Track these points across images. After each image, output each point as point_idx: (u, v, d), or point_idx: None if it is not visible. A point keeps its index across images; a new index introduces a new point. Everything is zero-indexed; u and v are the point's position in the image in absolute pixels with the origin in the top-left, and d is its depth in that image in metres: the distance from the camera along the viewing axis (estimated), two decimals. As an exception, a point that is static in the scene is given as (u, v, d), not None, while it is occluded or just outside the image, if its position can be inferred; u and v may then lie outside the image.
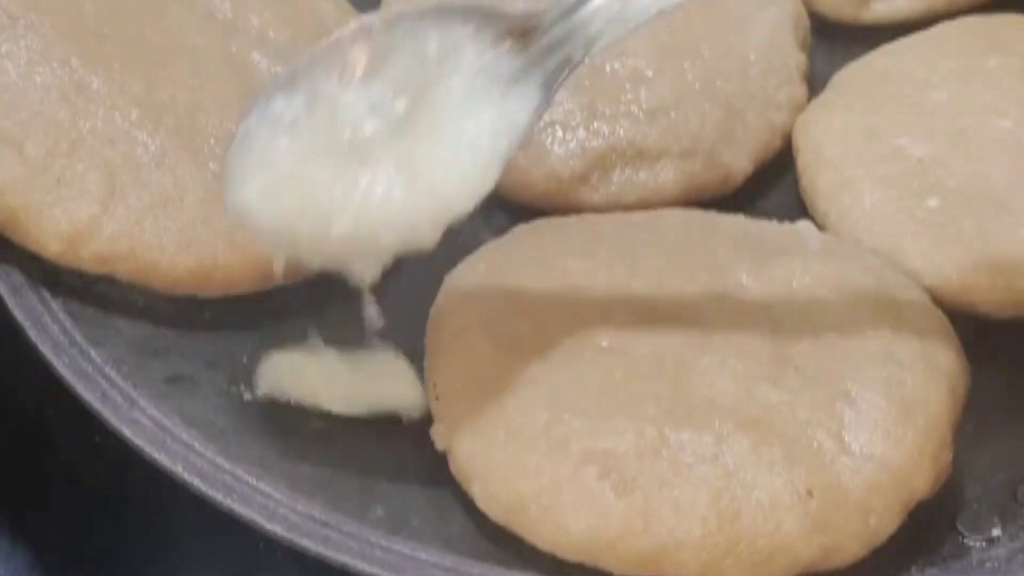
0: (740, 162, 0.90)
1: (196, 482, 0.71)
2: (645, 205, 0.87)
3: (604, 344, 0.75)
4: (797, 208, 0.89)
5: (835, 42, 0.97)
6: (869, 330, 0.76)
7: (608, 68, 0.90)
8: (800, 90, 0.92)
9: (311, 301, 0.81)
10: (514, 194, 0.88)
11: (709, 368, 0.74)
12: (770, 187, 0.91)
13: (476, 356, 0.75)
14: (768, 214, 0.89)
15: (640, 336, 0.75)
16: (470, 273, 0.80)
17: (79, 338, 0.76)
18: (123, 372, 0.75)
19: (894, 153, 0.86)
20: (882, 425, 0.72)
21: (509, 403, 0.73)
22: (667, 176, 0.88)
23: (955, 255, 0.81)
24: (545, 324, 0.76)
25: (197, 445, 0.72)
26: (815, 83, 0.94)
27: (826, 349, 0.75)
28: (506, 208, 0.87)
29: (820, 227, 0.85)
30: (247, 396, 0.77)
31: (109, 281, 0.78)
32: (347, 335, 0.81)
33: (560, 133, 0.88)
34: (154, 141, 0.80)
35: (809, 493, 0.70)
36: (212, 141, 0.81)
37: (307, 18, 0.89)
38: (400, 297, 0.80)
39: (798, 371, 0.74)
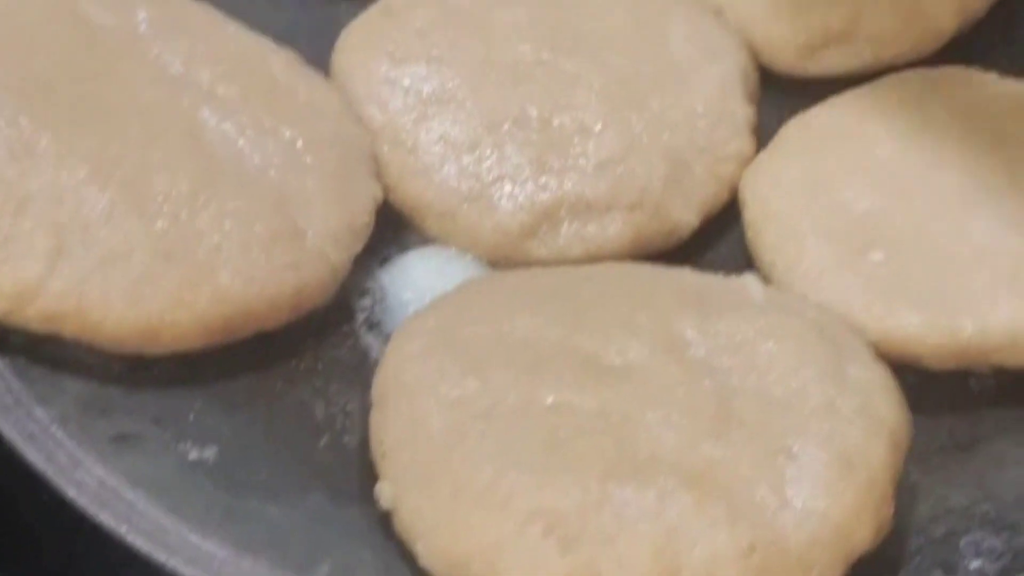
0: (687, 215, 0.90)
1: (140, 542, 0.71)
2: (593, 258, 0.88)
3: (550, 400, 0.76)
4: (744, 260, 0.90)
5: (783, 94, 0.98)
6: (812, 384, 0.76)
7: (556, 122, 0.90)
8: (748, 142, 0.93)
9: (258, 357, 0.82)
10: (463, 247, 0.89)
11: (653, 424, 0.74)
12: (717, 239, 0.92)
13: (422, 414, 0.76)
14: (715, 266, 0.90)
15: (586, 392, 0.76)
16: (417, 328, 0.81)
17: (25, 397, 0.76)
18: (69, 431, 0.75)
19: (839, 207, 0.87)
20: (823, 480, 0.73)
21: (454, 460, 0.74)
22: (615, 229, 0.89)
23: (899, 309, 0.82)
24: (492, 381, 0.76)
25: (141, 504, 0.73)
26: (763, 134, 0.95)
27: (769, 403, 0.76)
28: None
29: (766, 280, 0.86)
30: (193, 455, 0.77)
31: (56, 339, 0.79)
32: (295, 392, 0.82)
33: (508, 187, 0.88)
34: (102, 198, 0.80)
35: (751, 548, 0.71)
36: (161, 198, 0.81)
37: (257, 73, 0.89)
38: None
39: (741, 426, 0.75)
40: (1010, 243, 0.83)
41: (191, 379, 0.80)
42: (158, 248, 0.79)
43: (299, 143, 0.86)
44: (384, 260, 0.89)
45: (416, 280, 0.88)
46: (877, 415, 0.76)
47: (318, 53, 0.94)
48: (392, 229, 0.89)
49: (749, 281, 0.84)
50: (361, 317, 0.87)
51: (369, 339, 0.86)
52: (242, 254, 0.81)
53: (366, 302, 0.87)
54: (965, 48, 0.98)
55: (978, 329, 0.81)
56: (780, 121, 0.95)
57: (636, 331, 0.79)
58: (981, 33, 0.99)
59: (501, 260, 0.88)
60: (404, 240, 0.90)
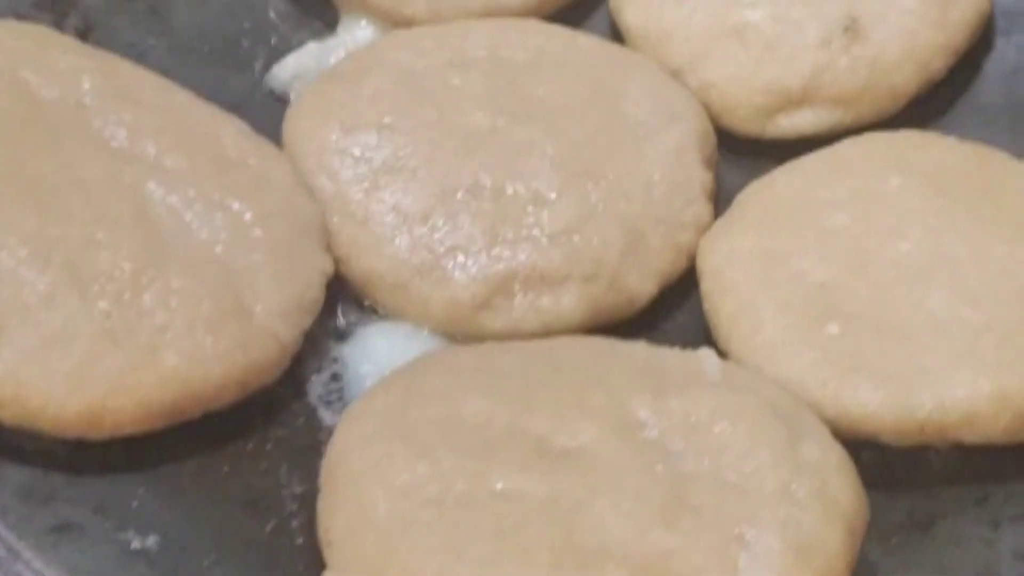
0: (644, 284, 0.89)
1: (79, 637, 0.70)
2: (548, 330, 0.87)
3: (499, 487, 0.74)
4: (703, 329, 0.88)
5: (742, 156, 0.97)
6: (767, 468, 0.75)
7: (510, 190, 0.89)
8: (705, 209, 0.92)
9: (204, 439, 0.80)
10: (415, 321, 0.87)
11: (604, 511, 0.73)
12: (676, 307, 0.90)
13: (370, 501, 0.74)
14: (673, 335, 0.88)
15: (535, 478, 0.74)
16: (366, 410, 0.79)
17: (-36, 489, 0.75)
18: (8, 522, 0.74)
19: (796, 278, 0.86)
20: (778, 569, 0.71)
21: (401, 551, 0.72)
22: (570, 301, 0.87)
23: (855, 385, 0.81)
24: (440, 466, 0.75)
25: (81, 599, 0.71)
26: (723, 197, 0.94)
27: (723, 488, 0.74)
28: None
29: (723, 353, 0.85)
30: (135, 544, 0.75)
31: (-5, 425, 0.77)
32: (242, 475, 0.80)
33: (461, 259, 0.87)
34: (43, 280, 0.78)
35: (704, 641, 0.69)
36: (104, 278, 0.79)
37: (205, 144, 0.88)
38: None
39: (694, 513, 0.73)
40: (967, 315, 0.82)
41: (134, 464, 0.78)
42: (101, 330, 0.78)
43: (248, 216, 0.85)
44: (343, 333, 0.88)
45: (376, 354, 0.87)
46: (832, 499, 0.75)
47: (271, 120, 0.94)
48: (354, 301, 0.88)
49: (705, 356, 0.83)
50: (316, 393, 0.85)
51: (326, 416, 0.84)
52: (187, 334, 0.79)
53: (322, 377, 0.86)
54: (926, 110, 0.97)
55: (936, 406, 0.80)
56: (739, 183, 0.94)
57: (588, 412, 0.78)
58: (942, 95, 0.98)
59: (454, 333, 0.87)
60: (367, 312, 0.88)
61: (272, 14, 1.00)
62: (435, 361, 0.83)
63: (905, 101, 0.96)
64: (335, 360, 0.87)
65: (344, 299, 0.88)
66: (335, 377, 0.86)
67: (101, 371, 0.77)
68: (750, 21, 0.96)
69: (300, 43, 0.99)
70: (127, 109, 0.87)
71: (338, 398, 0.85)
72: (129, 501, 0.77)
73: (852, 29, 0.95)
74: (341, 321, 0.88)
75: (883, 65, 0.95)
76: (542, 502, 0.73)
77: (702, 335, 0.88)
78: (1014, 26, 1.00)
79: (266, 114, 0.94)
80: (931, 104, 0.97)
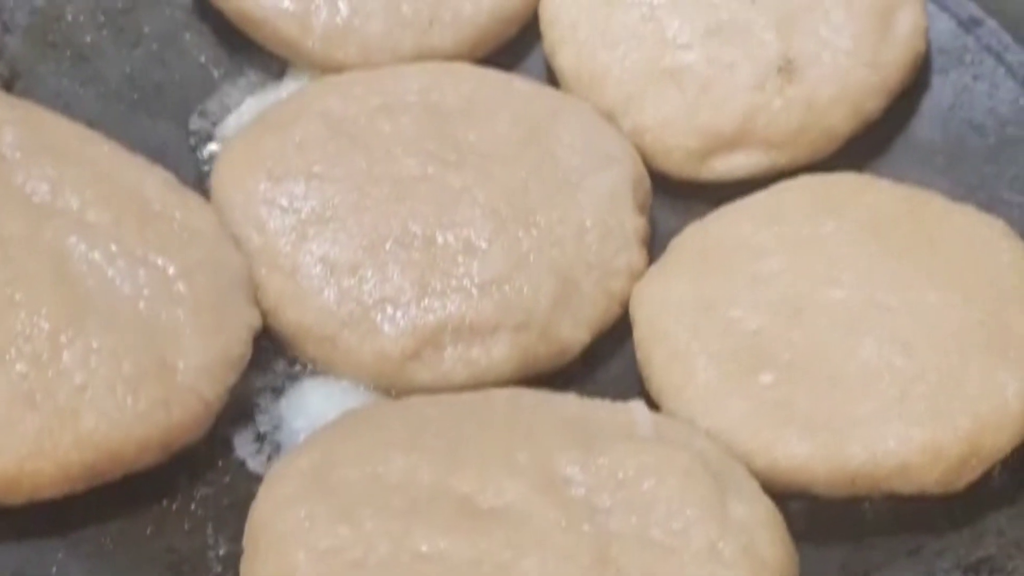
0: (577, 333, 0.88)
1: None
2: (479, 381, 0.86)
3: (423, 549, 0.73)
4: (637, 377, 0.87)
5: (678, 199, 0.96)
6: (694, 526, 0.74)
7: (440, 239, 0.88)
8: (638, 256, 0.91)
9: (127, 500, 0.79)
10: (344, 374, 0.86)
11: (529, 572, 0.72)
12: (610, 355, 0.89)
13: (291, 565, 0.73)
14: (608, 384, 0.87)
15: (460, 539, 0.73)
16: (290, 470, 0.78)
17: None
18: (-78, 592, 0.73)
19: (729, 326, 0.85)
20: (704, 630, 0.71)
21: (322, 617, 0.71)
22: (501, 352, 0.86)
23: (787, 436, 0.80)
24: (364, 528, 0.74)
25: None
26: (658, 241, 0.93)
27: (650, 547, 0.73)
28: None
29: (655, 404, 0.84)
30: (54, 613, 0.74)
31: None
32: (165, 537, 0.79)
33: (390, 310, 0.86)
34: (-43, 344, 0.77)
35: None
36: (21, 340, 0.78)
37: (130, 196, 0.86)
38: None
39: (619, 573, 0.72)
40: (900, 364, 0.81)
41: (54, 528, 0.77)
42: (18, 392, 0.77)
43: (171, 270, 0.84)
44: (278, 387, 0.86)
45: (311, 408, 0.86)
46: (760, 557, 0.74)
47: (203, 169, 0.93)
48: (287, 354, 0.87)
49: (636, 409, 0.82)
50: (246, 450, 0.84)
51: (256, 473, 0.83)
52: (107, 394, 0.78)
53: (251, 433, 0.84)
54: (862, 150, 0.96)
55: (868, 457, 0.79)
56: (675, 227, 0.93)
57: (514, 470, 0.76)
58: (878, 135, 0.97)
59: (384, 385, 0.86)
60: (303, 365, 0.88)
61: (203, 59, 0.99)
62: (361, 417, 0.81)
63: (840, 142, 0.96)
64: (267, 415, 0.85)
65: (279, 352, 0.87)
66: (264, 434, 0.85)
67: (18, 435, 0.76)
68: (684, 63, 0.96)
69: (231, 89, 0.98)
70: (50, 162, 0.86)
71: (272, 454, 0.84)
72: (48, 567, 0.76)
73: (786, 70, 0.95)
74: (277, 375, 0.87)
75: (818, 106, 0.95)
76: (467, 564, 0.72)
77: (637, 383, 0.87)
78: (950, 64, 0.99)
79: (196, 163, 0.93)
80: (867, 144, 0.97)
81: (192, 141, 0.95)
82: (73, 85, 0.96)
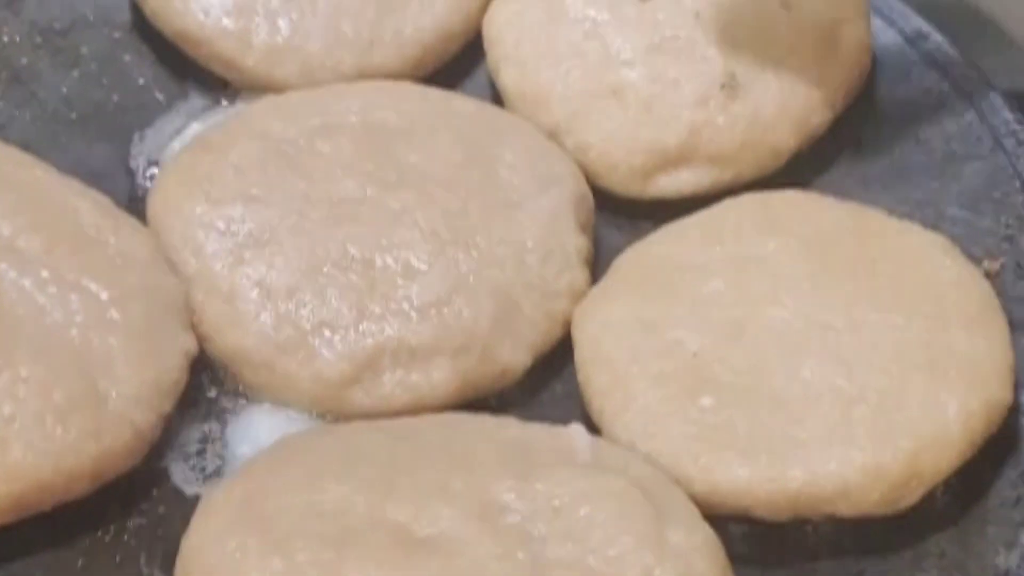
0: (518, 355, 0.87)
1: None
2: (419, 405, 0.85)
3: (356, 580, 0.72)
4: (579, 399, 0.86)
5: (622, 217, 0.95)
6: (630, 553, 0.73)
7: (379, 262, 0.87)
8: (580, 276, 0.90)
9: (57, 531, 0.78)
10: (282, 399, 0.85)
11: (463, 603, 0.71)
12: (552, 377, 0.88)
13: (221, 598, 0.72)
14: (549, 406, 0.87)
15: (394, 569, 0.72)
16: (222, 500, 0.77)
17: None
18: None
19: (670, 348, 0.84)
20: (640, 660, 0.70)
21: (252, 652, 0.70)
22: (440, 375, 0.85)
23: (727, 459, 0.79)
24: (296, 560, 0.72)
25: None
26: (603, 260, 0.92)
27: (586, 575, 0.72)
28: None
29: (596, 427, 0.83)
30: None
31: None
32: (97, 568, 0.78)
33: (328, 334, 0.85)
34: None
35: None
36: (-52, 382, 0.77)
37: (63, 221, 0.85)
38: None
39: (555, 603, 0.71)
40: (841, 385, 0.81)
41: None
42: (-56, 428, 0.76)
43: (104, 296, 0.83)
44: (216, 414, 0.85)
45: (252, 435, 0.85)
46: (698, 584, 0.73)
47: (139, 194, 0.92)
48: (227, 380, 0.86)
49: (575, 433, 0.81)
50: (181, 477, 0.83)
51: (192, 502, 0.81)
52: (36, 425, 0.77)
53: (189, 461, 0.83)
54: (807, 166, 0.96)
55: (808, 479, 0.78)
56: (619, 245, 0.92)
57: (450, 497, 0.75)
58: (823, 150, 0.96)
59: (323, 411, 0.85)
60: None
61: (141, 80, 0.98)
62: (296, 445, 0.80)
63: (785, 158, 0.95)
64: (206, 442, 0.84)
65: (217, 379, 0.86)
66: (203, 462, 0.83)
67: (-56, 468, 0.75)
68: (627, 80, 0.95)
69: (172, 111, 0.97)
70: (-21, 188, 0.85)
71: (209, 483, 0.82)
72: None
73: (730, 87, 0.94)
74: (215, 402, 0.86)
75: (761, 122, 0.94)
76: (400, 595, 0.71)
77: (579, 406, 0.86)
78: (896, 79, 0.98)
79: (135, 187, 0.92)
80: (812, 160, 0.96)
81: (132, 164, 0.94)
82: (8, 107, 0.95)
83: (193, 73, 0.98)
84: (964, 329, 0.83)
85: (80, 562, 0.78)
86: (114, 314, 0.82)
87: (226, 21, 0.96)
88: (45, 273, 0.82)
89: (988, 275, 0.89)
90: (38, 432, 0.77)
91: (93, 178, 0.91)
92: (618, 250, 0.92)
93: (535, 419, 0.84)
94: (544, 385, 0.88)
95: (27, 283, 0.82)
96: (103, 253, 0.85)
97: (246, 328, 0.85)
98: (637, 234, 0.93)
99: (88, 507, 0.79)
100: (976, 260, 0.89)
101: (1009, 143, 0.94)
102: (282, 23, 0.97)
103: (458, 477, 0.77)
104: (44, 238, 0.84)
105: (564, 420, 0.83)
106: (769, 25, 0.96)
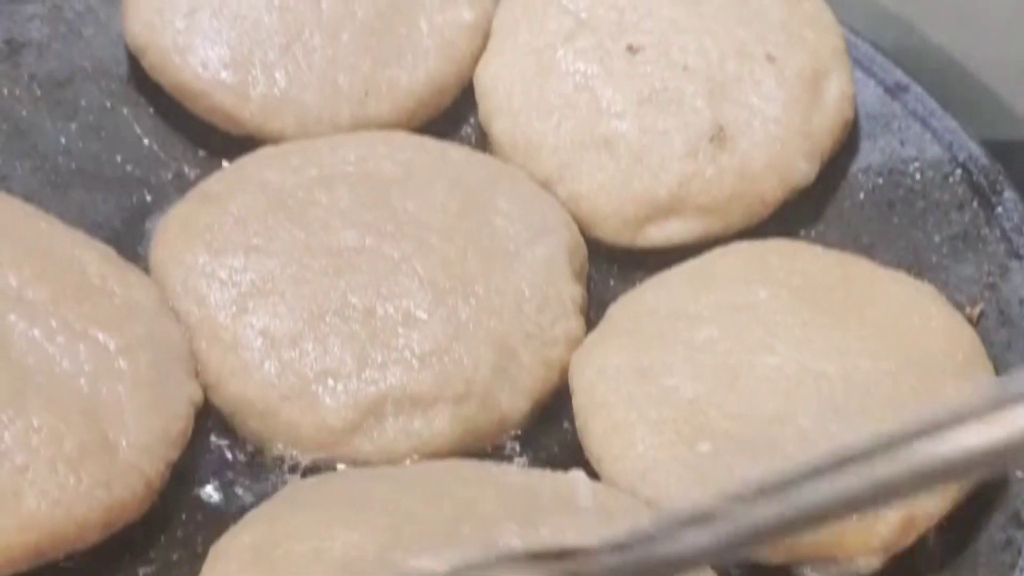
0: (517, 402, 0.89)
1: None
2: (421, 452, 0.86)
3: (367, 626, 0.73)
4: (577, 445, 0.88)
5: (614, 266, 0.97)
6: (635, 597, 0.75)
7: (380, 311, 0.88)
8: (576, 323, 0.92)
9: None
10: (285, 447, 0.86)
11: (474, 647, 0.72)
12: (551, 423, 0.90)
13: (235, 646, 0.73)
14: (548, 452, 0.88)
15: (404, 615, 0.74)
16: (232, 548, 0.78)
17: None
18: None
19: (666, 394, 0.86)
20: None
21: None
22: (442, 423, 0.87)
23: (725, 504, 0.81)
24: (308, 607, 0.74)
25: None
26: (596, 307, 0.94)
27: (592, 620, 0.74)
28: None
29: (595, 473, 0.85)
30: None
31: None
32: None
33: (331, 383, 0.86)
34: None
35: None
36: (-40, 426, 0.78)
37: (69, 272, 0.87)
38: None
39: (563, 646, 0.73)
40: (834, 431, 0.83)
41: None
42: (-43, 474, 0.77)
43: (112, 346, 0.84)
44: (229, 460, 0.86)
45: (262, 482, 0.86)
46: (702, 627, 0.75)
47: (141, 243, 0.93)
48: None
49: (577, 479, 0.82)
50: (192, 526, 0.84)
51: (201, 550, 0.82)
52: (49, 474, 0.78)
53: (198, 510, 0.84)
54: (794, 215, 0.98)
55: (806, 523, 0.80)
56: (613, 294, 0.94)
57: (458, 543, 0.77)
58: (809, 200, 0.99)
59: (326, 458, 0.86)
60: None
61: (139, 131, 0.99)
62: (303, 492, 0.82)
63: (772, 208, 0.97)
64: (211, 490, 0.85)
65: (221, 427, 0.87)
66: (210, 510, 0.84)
67: (-37, 514, 0.76)
68: (618, 131, 0.97)
69: (169, 161, 0.98)
70: (-13, 239, 0.86)
71: (216, 530, 0.83)
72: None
73: (718, 138, 0.96)
74: (220, 450, 0.87)
75: (750, 173, 0.96)
76: (411, 641, 0.73)
77: (579, 451, 0.87)
78: (878, 130, 1.01)
79: (134, 237, 0.93)
80: (798, 210, 0.98)
81: (131, 215, 0.96)
82: (10, 159, 0.96)
83: (190, 124, 0.99)
84: (953, 376, 0.85)
85: (91, 610, 0.79)
86: (122, 363, 0.84)
87: (224, 74, 0.98)
88: (53, 323, 0.84)
89: (970, 320, 0.92)
90: (51, 481, 0.78)
91: (94, 229, 0.92)
92: (610, 298, 0.94)
93: (534, 465, 0.87)
94: (542, 431, 0.90)
95: (36, 333, 0.83)
96: (109, 303, 0.86)
97: (250, 377, 0.87)
98: (628, 282, 0.95)
99: (99, 556, 0.80)
100: (959, 307, 0.92)
101: (988, 192, 0.97)
102: (279, 76, 0.98)
103: (465, 523, 0.78)
104: (51, 289, 0.85)
105: (563, 466, 0.85)
106: (755, 77, 0.98)
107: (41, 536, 0.77)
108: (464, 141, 1.01)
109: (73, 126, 0.99)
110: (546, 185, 0.97)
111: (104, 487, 0.79)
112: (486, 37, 1.03)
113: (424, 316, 0.89)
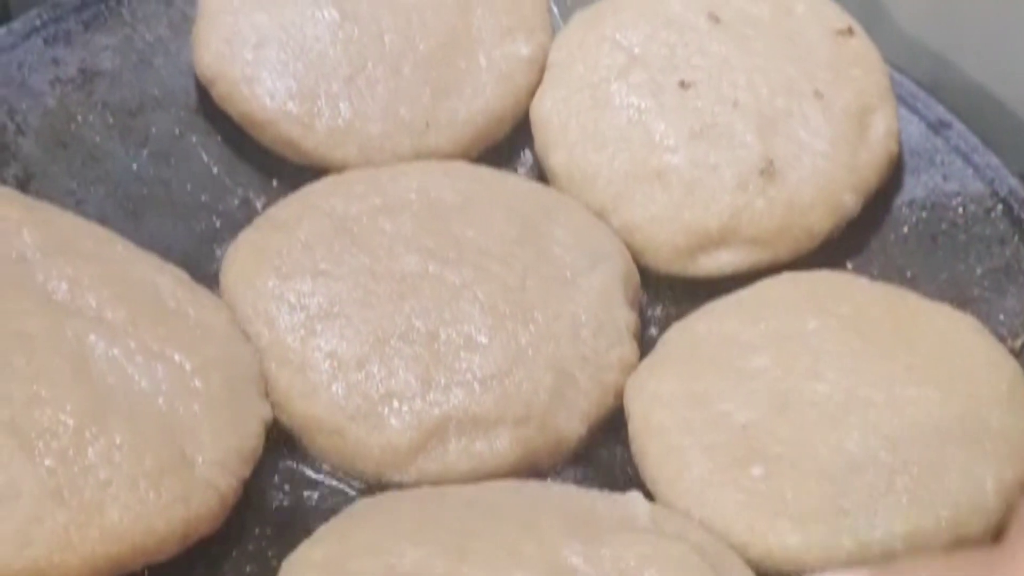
0: (573, 425, 0.92)
1: None
2: (482, 473, 0.89)
3: (438, 639, 0.76)
4: (630, 468, 0.91)
5: (667, 294, 1.00)
6: (694, 614, 0.78)
7: (443, 335, 0.91)
8: (630, 349, 0.95)
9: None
10: (352, 466, 0.89)
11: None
12: (607, 444, 0.93)
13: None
14: (605, 473, 0.91)
15: (473, 629, 0.77)
16: (304, 563, 0.81)
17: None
18: None
19: (719, 420, 0.89)
20: None
21: None
22: (503, 444, 0.90)
23: (780, 526, 0.84)
24: (380, 621, 0.77)
25: None
26: (648, 334, 0.97)
27: (652, 636, 0.77)
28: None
29: (651, 495, 0.88)
30: None
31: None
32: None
33: (396, 404, 0.89)
34: (-12, 439, 0.80)
35: None
36: (48, 436, 0.81)
37: (145, 294, 0.90)
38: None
39: (625, 661, 0.76)
40: (883, 457, 0.86)
41: (78, 620, 0.80)
42: (46, 488, 0.80)
43: (188, 366, 0.87)
44: (299, 477, 0.89)
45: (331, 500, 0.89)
46: (758, 644, 0.78)
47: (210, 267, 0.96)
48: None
49: (634, 499, 0.86)
50: (264, 541, 0.87)
51: (273, 564, 0.85)
52: (130, 489, 0.81)
53: (269, 525, 0.87)
54: (840, 247, 1.01)
55: (856, 546, 0.83)
56: (666, 321, 0.97)
57: (522, 560, 0.80)
58: (855, 232, 1.02)
59: (392, 477, 0.89)
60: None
61: (206, 158, 1.02)
62: (372, 509, 0.85)
63: (819, 240, 1.00)
64: (281, 506, 0.88)
65: (289, 445, 0.90)
66: (280, 525, 0.87)
67: (47, 529, 0.79)
68: (670, 164, 1.00)
69: (235, 187, 1.02)
70: (68, 262, 0.89)
71: (287, 545, 0.85)
72: (76, 657, 0.78)
73: (768, 172, 0.99)
74: (288, 468, 0.90)
75: (798, 206, 0.99)
76: (480, 655, 0.76)
77: (634, 472, 0.90)
78: (921, 165, 1.04)
79: (203, 261, 0.96)
80: (844, 241, 1.01)
81: (200, 239, 0.99)
82: (84, 184, 0.99)
83: (256, 153, 1.02)
84: (996, 406, 0.88)
85: (169, 623, 0.82)
86: (197, 383, 0.87)
87: (290, 105, 1.01)
88: (132, 343, 0.87)
89: (1012, 352, 0.95)
90: (133, 496, 0.81)
91: (165, 253, 0.95)
92: (663, 325, 0.97)
93: (591, 486, 0.89)
94: (600, 454, 0.93)
95: (116, 353, 0.86)
96: (184, 324, 0.89)
97: (318, 397, 0.90)
98: (680, 310, 0.98)
99: (175, 568, 0.83)
100: (1001, 339, 0.95)
101: (1028, 226, 1.00)
102: (343, 107, 1.02)
103: (528, 541, 0.81)
104: (129, 310, 0.88)
105: (618, 488, 0.88)
106: (803, 113, 1.02)
107: (122, 548, 0.80)
108: (521, 170, 1.05)
109: (144, 153, 1.02)
110: (600, 215, 1.00)
111: (182, 502, 0.82)
112: (542, 71, 1.06)
113: (485, 340, 0.92)
